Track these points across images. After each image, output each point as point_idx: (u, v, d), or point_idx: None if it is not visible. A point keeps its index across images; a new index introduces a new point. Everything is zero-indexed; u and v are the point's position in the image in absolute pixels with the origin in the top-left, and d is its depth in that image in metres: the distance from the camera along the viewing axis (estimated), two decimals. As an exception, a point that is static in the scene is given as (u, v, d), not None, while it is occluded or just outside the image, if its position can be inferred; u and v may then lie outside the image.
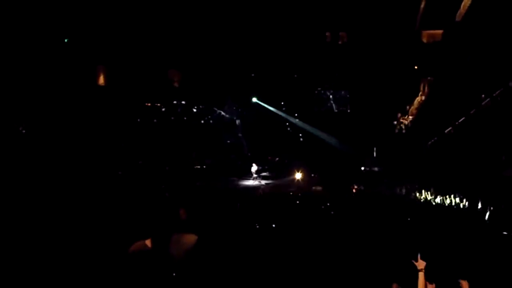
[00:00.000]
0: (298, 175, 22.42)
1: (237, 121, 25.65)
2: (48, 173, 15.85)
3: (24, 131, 20.32)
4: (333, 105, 23.96)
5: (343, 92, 23.92)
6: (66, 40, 21.46)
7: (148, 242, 3.38)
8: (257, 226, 9.14)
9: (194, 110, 25.88)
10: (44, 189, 12.53)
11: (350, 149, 22.60)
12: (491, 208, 12.32)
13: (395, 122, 22.81)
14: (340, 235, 8.74)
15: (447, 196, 15.24)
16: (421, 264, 4.44)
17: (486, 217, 12.14)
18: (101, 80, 23.48)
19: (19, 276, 5.17)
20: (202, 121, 25.90)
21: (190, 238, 3.51)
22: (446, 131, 18.98)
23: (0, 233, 6.73)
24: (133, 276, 3.08)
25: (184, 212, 3.96)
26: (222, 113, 25.92)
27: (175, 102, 25.38)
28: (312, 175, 21.91)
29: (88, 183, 15.15)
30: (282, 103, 24.98)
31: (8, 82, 19.75)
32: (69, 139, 21.67)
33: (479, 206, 12.85)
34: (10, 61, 19.50)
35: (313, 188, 20.19)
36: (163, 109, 25.44)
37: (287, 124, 25.36)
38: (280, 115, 25.16)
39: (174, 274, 3.21)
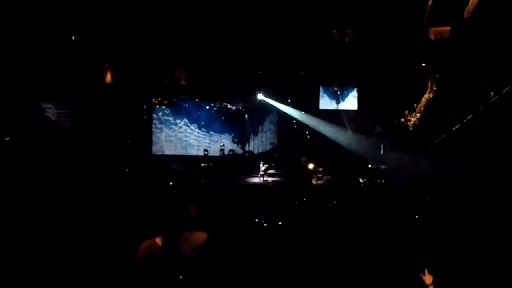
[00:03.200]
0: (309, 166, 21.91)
1: (245, 116, 25.67)
2: (56, 170, 15.93)
3: (33, 127, 20.44)
4: (340, 102, 23.90)
5: (350, 90, 23.86)
6: (73, 38, 21.56)
7: (158, 240, 3.38)
8: (265, 224, 9.16)
9: (200, 107, 25.91)
10: (52, 187, 12.59)
11: (357, 146, 22.52)
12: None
13: (403, 120, 22.74)
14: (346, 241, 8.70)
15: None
16: (428, 278, 4.33)
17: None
18: (108, 78, 23.58)
19: (20, 276, 5.20)
20: (209, 119, 25.92)
21: (200, 236, 3.50)
22: (454, 128, 18.91)
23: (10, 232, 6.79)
24: (144, 275, 3.08)
25: (194, 209, 3.95)
26: (228, 106, 25.92)
27: (181, 99, 25.42)
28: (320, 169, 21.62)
29: (96, 181, 15.20)
30: (289, 100, 24.95)
31: (16, 79, 19.89)
32: (76, 136, 21.78)
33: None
34: (18, 58, 19.63)
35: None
36: (170, 106, 25.50)
37: (294, 121, 25.33)
38: (287, 112, 25.15)
39: (184, 273, 3.21)
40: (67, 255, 5.54)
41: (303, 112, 24.85)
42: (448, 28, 21.05)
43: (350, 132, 23.97)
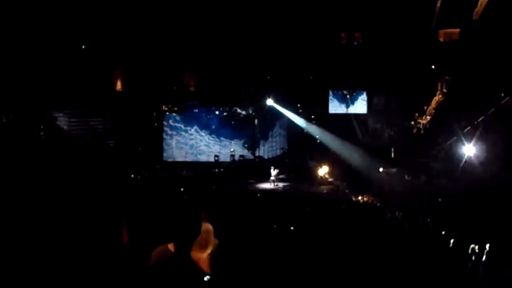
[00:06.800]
0: (322, 170, 21.93)
1: (255, 121, 25.64)
2: (67, 176, 16.03)
3: (43, 135, 20.62)
4: (350, 106, 23.84)
5: (359, 93, 23.80)
6: (83, 47, 21.78)
7: (170, 247, 3.38)
8: (276, 228, 9.15)
9: (210, 113, 25.96)
10: (64, 193, 12.67)
11: (368, 150, 22.41)
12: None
13: (413, 122, 22.63)
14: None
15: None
16: None
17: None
18: (118, 86, 23.75)
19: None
20: (219, 124, 25.94)
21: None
22: (464, 130, 18.80)
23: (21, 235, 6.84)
24: (156, 282, 3.10)
25: (205, 215, 3.96)
26: (238, 110, 25.91)
27: (191, 105, 25.51)
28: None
29: (107, 187, 15.28)
30: (299, 105, 24.92)
31: (27, 88, 20.09)
32: (87, 143, 21.94)
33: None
34: (29, 68, 19.84)
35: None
36: (180, 113, 25.60)
37: (304, 126, 25.30)
38: (297, 117, 25.11)
39: (196, 279, 3.21)
40: (77, 261, 5.57)
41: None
42: (457, 30, 20.96)
43: (360, 136, 23.89)
